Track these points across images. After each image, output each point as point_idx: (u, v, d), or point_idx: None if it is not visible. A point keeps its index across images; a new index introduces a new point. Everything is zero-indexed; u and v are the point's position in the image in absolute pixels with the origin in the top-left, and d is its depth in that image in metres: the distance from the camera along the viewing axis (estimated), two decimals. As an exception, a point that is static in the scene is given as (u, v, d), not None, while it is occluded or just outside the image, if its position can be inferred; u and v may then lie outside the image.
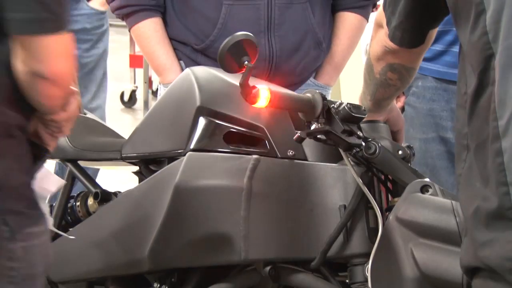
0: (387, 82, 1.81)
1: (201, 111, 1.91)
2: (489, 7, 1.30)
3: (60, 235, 2.01)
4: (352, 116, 1.77)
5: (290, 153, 1.92)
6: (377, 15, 1.72)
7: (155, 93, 6.08)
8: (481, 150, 1.34)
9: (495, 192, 1.28)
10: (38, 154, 1.67)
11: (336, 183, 1.87)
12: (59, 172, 3.11)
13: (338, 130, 1.75)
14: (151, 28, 2.45)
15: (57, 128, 1.70)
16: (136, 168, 2.11)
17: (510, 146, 1.26)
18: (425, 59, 2.15)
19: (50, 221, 1.74)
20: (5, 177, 1.56)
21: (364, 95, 1.92)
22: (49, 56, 1.57)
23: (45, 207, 1.71)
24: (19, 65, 1.57)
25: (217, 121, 1.91)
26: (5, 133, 1.58)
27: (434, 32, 1.67)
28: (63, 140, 2.17)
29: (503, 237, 1.27)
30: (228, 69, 1.69)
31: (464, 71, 1.42)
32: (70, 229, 2.14)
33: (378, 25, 1.71)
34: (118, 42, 6.24)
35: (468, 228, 1.35)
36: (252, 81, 1.68)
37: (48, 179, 1.76)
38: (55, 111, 1.67)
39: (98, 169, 3.12)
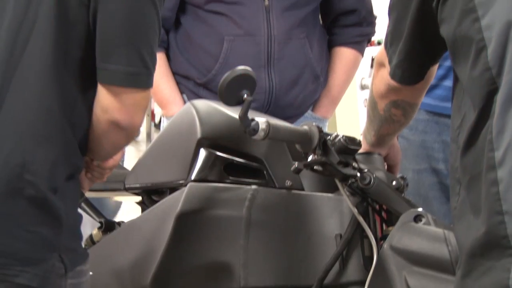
0: (391, 118, 1.81)
1: (202, 143, 1.90)
2: (490, 43, 1.31)
3: None
4: (347, 148, 1.77)
5: (288, 183, 1.91)
6: (379, 54, 1.73)
7: (157, 126, 6.10)
8: (475, 182, 1.34)
9: (490, 222, 1.28)
10: None
11: (332, 212, 1.87)
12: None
13: (334, 161, 1.76)
14: None
15: (100, 174, 1.75)
16: (139, 198, 2.11)
17: (506, 176, 1.26)
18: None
19: None
20: (66, 216, 1.58)
21: (368, 130, 1.92)
22: (133, 110, 1.60)
23: None
24: (100, 112, 1.59)
25: (217, 153, 1.90)
26: (71, 175, 1.60)
27: (434, 68, 1.68)
28: None
29: (499, 265, 1.27)
30: (228, 102, 1.70)
31: (459, 105, 1.42)
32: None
33: (380, 64, 1.72)
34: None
35: (464, 259, 1.35)
36: (251, 114, 1.69)
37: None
38: (109, 158, 1.71)
39: (120, 203, 3.08)
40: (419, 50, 1.57)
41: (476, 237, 1.30)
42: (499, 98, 1.29)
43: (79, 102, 1.59)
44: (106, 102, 1.58)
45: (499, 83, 1.29)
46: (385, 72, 1.68)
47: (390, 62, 1.65)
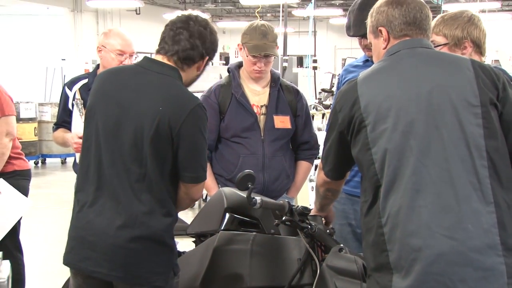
0: (326, 197, 1.78)
1: (227, 210, 1.90)
2: (376, 162, 1.34)
3: None
4: (303, 212, 1.78)
5: (272, 231, 1.89)
6: (320, 164, 1.69)
7: (205, 200, 6.02)
8: (369, 232, 1.36)
9: (381, 255, 1.31)
10: None
11: (295, 246, 1.85)
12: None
13: (296, 219, 1.76)
14: None
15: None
16: (193, 239, 2.07)
17: (388, 231, 1.30)
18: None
19: None
20: (173, 247, 1.60)
21: (315, 202, 1.88)
22: (198, 191, 1.64)
23: None
24: (183, 194, 1.63)
25: (235, 215, 1.89)
26: (173, 225, 1.63)
27: (349, 170, 1.67)
28: None
29: (385, 277, 1.31)
30: (241, 188, 1.71)
31: (364, 191, 1.43)
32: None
33: (320, 169, 1.67)
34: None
35: (371, 274, 1.36)
36: (253, 194, 1.71)
37: None
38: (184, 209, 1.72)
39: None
40: (342, 161, 1.57)
41: (376, 261, 1.33)
42: (382, 191, 1.32)
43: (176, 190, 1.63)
44: (186, 191, 1.62)
45: (381, 182, 1.33)
46: (322, 174, 1.66)
47: (324, 168, 1.62)
